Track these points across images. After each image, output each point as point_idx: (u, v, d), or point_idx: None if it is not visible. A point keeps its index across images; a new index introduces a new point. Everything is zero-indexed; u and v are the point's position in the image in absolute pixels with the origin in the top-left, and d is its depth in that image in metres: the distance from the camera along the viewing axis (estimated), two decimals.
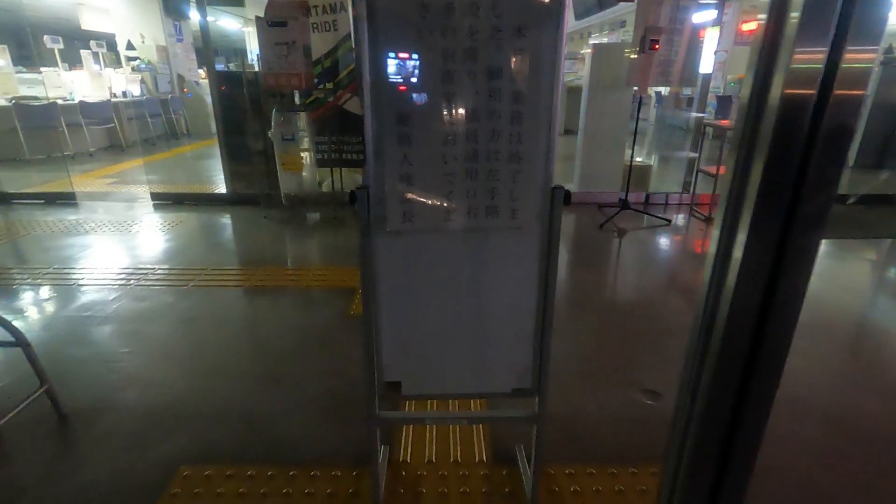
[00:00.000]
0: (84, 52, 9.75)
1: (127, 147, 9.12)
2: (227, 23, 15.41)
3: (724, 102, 5.72)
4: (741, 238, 0.64)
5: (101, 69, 9.99)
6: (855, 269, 4.04)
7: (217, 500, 1.70)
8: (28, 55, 9.74)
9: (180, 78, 10.78)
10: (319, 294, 3.35)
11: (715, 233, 0.70)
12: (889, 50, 7.46)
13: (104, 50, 10.22)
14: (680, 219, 5.13)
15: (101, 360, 2.54)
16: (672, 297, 3.38)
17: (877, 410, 2.20)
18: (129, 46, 10.36)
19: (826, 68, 0.55)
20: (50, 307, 3.11)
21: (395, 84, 1.16)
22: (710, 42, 5.27)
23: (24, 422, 2.01)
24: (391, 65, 1.15)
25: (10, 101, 7.53)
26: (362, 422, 2.04)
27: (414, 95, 1.17)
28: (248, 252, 4.28)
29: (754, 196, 0.62)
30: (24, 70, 9.16)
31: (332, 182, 5.25)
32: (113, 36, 10.72)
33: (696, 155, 5.61)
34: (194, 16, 11.14)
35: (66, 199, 5.56)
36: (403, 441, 1.99)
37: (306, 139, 4.81)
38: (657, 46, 4.18)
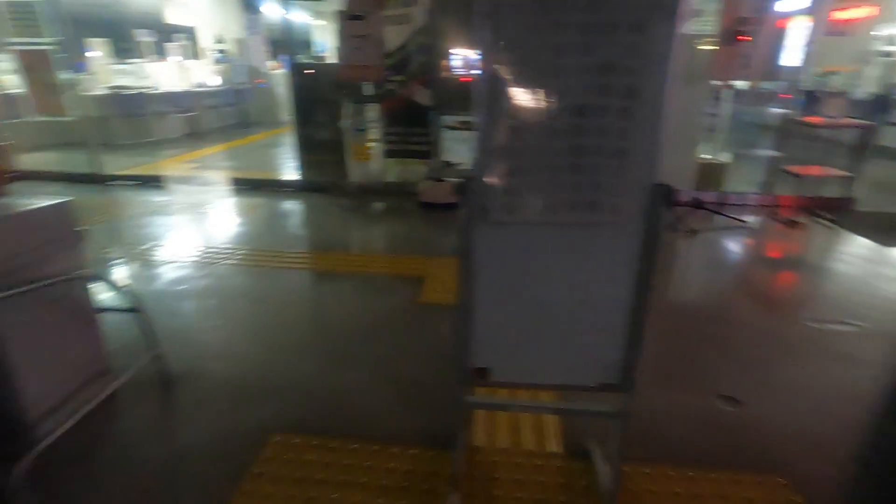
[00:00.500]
0: (168, 45, 10.43)
1: (204, 134, 9.71)
2: (296, 16, 15.96)
3: (813, 97, 5.35)
4: None
5: (182, 60, 10.65)
6: None
7: (305, 467, 1.82)
8: (121, 48, 10.54)
9: (253, 69, 11.30)
10: (388, 281, 3.46)
11: None
12: None
13: (185, 42, 10.89)
14: (757, 221, 4.87)
15: (195, 331, 2.76)
16: (747, 302, 3.24)
17: None
18: (218, 40, 10.97)
19: None
20: (145, 281, 3.40)
21: (505, 77, 1.19)
22: (799, 32, 4.93)
23: (133, 383, 2.23)
24: (503, 58, 1.18)
25: (107, 91, 8.21)
26: (437, 405, 2.13)
27: (524, 90, 1.19)
28: (320, 237, 4.47)
29: None
30: (117, 61, 9.92)
31: (398, 172, 5.38)
32: (193, 29, 11.40)
33: (777, 154, 5.29)
34: (267, 9, 11.65)
35: (154, 182, 6.01)
36: (474, 427, 2.05)
37: (375, 130, 4.94)
38: (744, 38, 3.96)
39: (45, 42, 6.88)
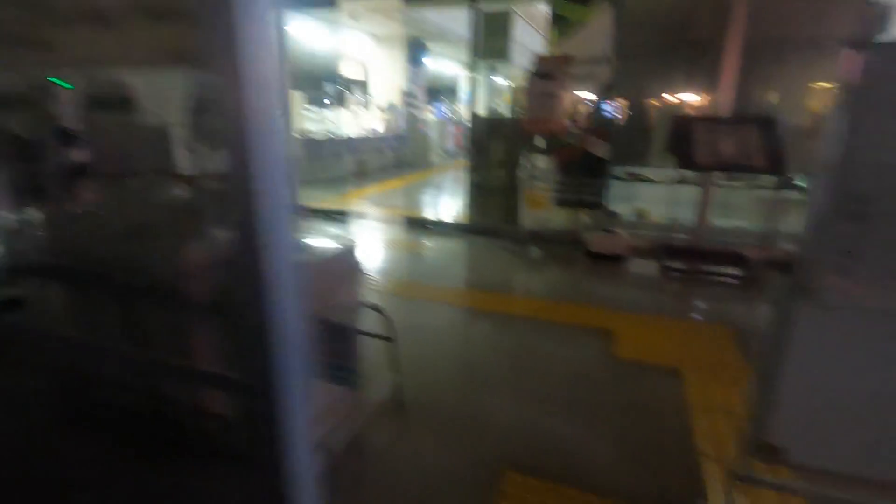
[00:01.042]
0: (344, 95, 11.99)
1: (369, 173, 10.85)
2: (447, 67, 17.33)
3: None
4: None
5: (357, 109, 12.16)
6: None
7: None
8: (311, 98, 12.35)
9: (412, 116, 12.47)
10: (573, 330, 3.51)
11: None
12: None
13: (359, 93, 12.43)
14: None
15: (406, 362, 3.06)
16: None
17: None
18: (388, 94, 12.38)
19: None
20: None
21: (864, 161, 1.21)
22: None
23: (378, 402, 2.53)
24: (866, 142, 1.21)
25: (303, 136, 9.69)
26: (670, 468, 2.09)
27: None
28: (498, 280, 4.70)
29: None
30: (306, 109, 11.64)
31: (565, 220, 5.48)
32: (366, 82, 13.00)
33: None
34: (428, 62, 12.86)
35: (338, 216, 6.85)
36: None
37: (548, 179, 5.13)
38: None
39: None
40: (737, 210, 5.69)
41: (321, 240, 2.34)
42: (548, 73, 4.79)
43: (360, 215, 7.04)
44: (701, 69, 5.07)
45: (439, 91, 16.82)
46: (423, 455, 2.22)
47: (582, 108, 4.95)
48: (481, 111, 7.50)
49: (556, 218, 5.69)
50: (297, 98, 10.43)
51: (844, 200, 1.24)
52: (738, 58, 4.73)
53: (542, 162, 5.43)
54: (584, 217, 5.52)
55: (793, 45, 4.86)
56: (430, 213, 7.16)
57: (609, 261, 4.98)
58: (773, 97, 5.06)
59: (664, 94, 5.28)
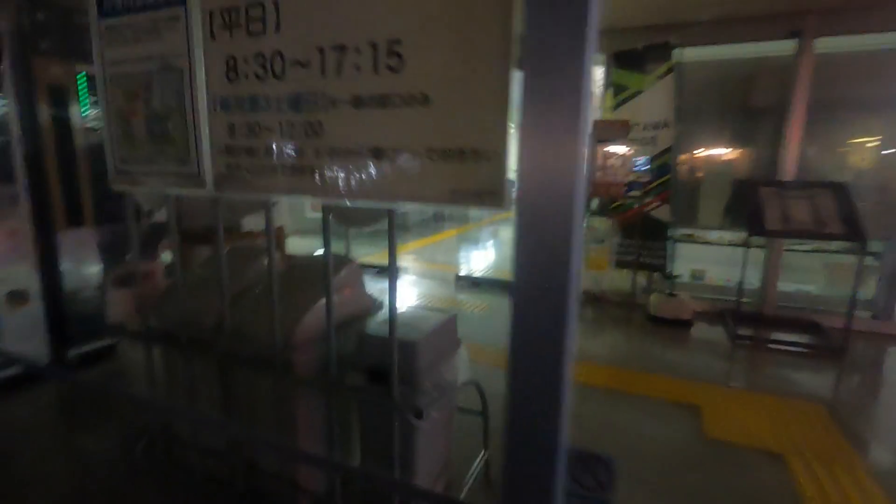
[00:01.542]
0: None
1: (409, 227, 11.03)
2: None
3: None
4: None
5: None
6: None
7: None
8: None
9: None
10: (651, 402, 3.33)
11: None
12: None
13: None
14: None
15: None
16: None
17: None
18: None
19: None
20: None
21: None
22: None
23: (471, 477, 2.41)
24: None
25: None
26: None
27: None
28: None
29: None
30: None
31: (624, 283, 5.38)
32: None
33: None
34: None
35: (381, 270, 6.89)
36: None
37: (610, 241, 5.09)
38: None
39: None
40: (803, 274, 5.50)
41: (416, 308, 2.32)
42: (606, 138, 4.86)
43: (407, 270, 7.07)
44: (763, 132, 5.08)
45: None
46: None
47: (641, 172, 4.96)
48: None
49: (613, 279, 5.59)
50: None
51: None
52: (802, 120, 4.73)
53: (600, 223, 5.42)
54: (642, 279, 5.42)
55: (857, 104, 4.86)
56: (479, 270, 7.15)
57: (672, 325, 4.82)
58: (836, 159, 5.00)
59: (724, 157, 5.28)
